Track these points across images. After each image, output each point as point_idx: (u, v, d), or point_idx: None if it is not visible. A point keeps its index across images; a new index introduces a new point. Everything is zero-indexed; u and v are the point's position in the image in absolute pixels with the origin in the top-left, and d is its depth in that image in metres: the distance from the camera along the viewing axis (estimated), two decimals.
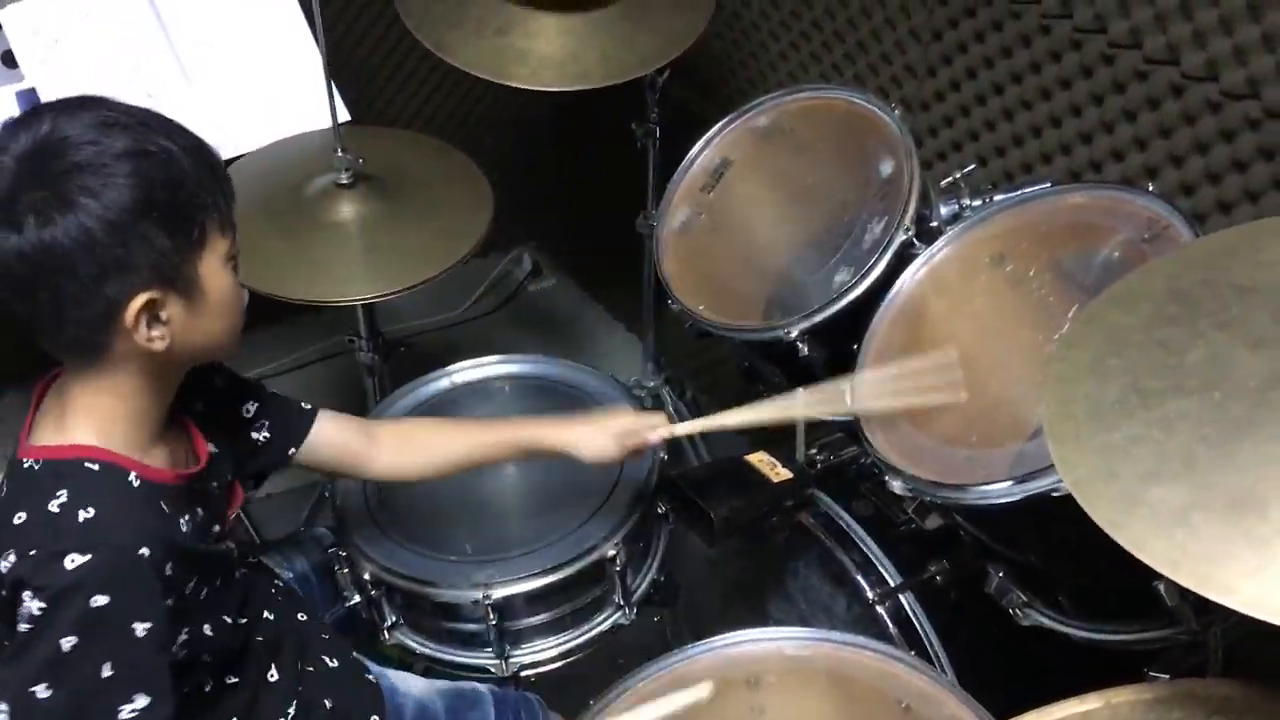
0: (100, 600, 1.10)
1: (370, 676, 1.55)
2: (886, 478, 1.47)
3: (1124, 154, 1.75)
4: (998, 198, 1.63)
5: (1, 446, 1.35)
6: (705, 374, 2.88)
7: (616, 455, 1.58)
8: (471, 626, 1.65)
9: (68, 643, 1.09)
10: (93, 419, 1.19)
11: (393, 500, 1.76)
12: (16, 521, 1.12)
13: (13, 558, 1.10)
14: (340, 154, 1.97)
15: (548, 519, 1.71)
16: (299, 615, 1.52)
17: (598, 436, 1.57)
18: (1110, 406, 1.07)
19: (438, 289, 1.91)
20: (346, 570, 1.70)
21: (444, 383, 1.95)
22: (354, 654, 1.56)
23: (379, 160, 2.05)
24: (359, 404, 2.29)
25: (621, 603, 1.70)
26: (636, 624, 1.72)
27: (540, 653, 1.69)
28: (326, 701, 1.45)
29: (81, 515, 1.12)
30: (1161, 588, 1.21)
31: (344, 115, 2.00)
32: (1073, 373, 1.13)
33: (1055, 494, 1.25)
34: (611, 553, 1.64)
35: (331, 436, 1.51)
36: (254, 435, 1.45)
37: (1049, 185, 1.59)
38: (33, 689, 1.09)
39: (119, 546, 1.13)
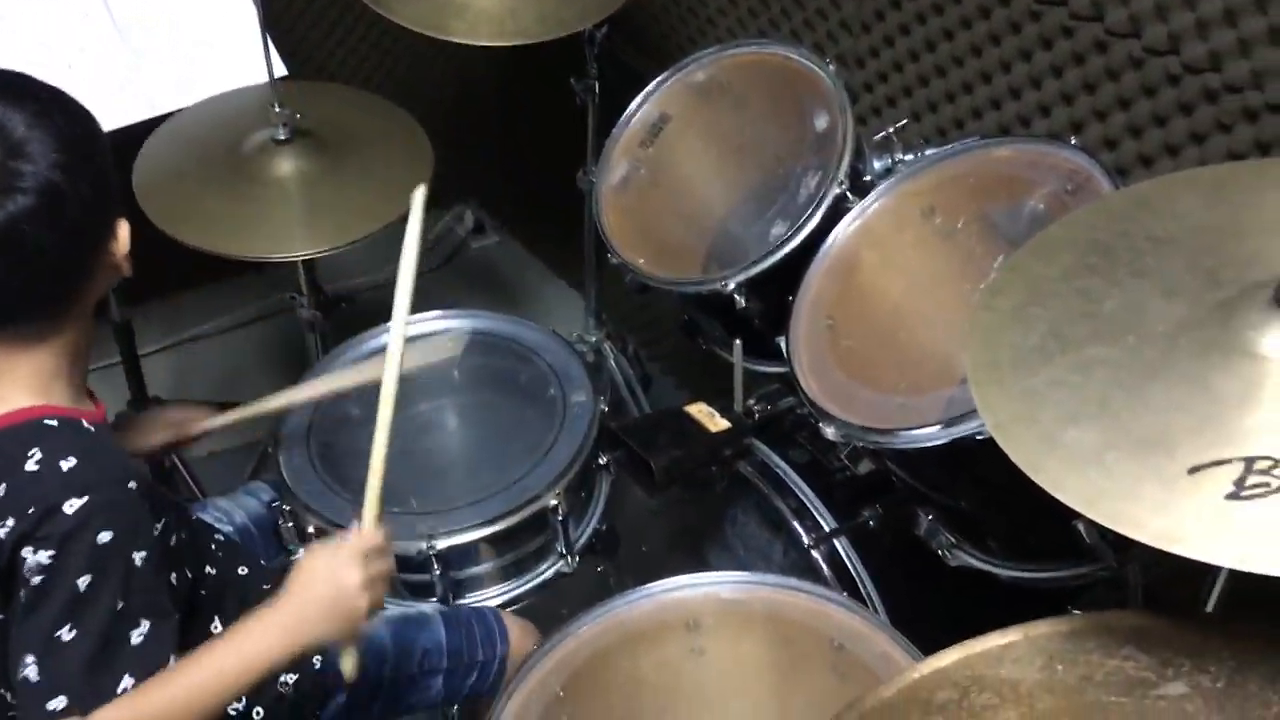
0: (105, 536, 1.14)
1: None
2: (820, 424, 1.50)
3: (1050, 109, 1.79)
4: (929, 152, 1.66)
5: None
6: (647, 329, 2.90)
7: (170, 438, 1.65)
8: (417, 577, 1.67)
9: (83, 581, 1.13)
10: (31, 383, 1.21)
11: (337, 454, 1.77)
12: None
13: (11, 521, 1.13)
14: (277, 109, 1.96)
15: (490, 471, 1.74)
16: (240, 569, 1.53)
17: (151, 432, 1.64)
18: (1031, 353, 1.11)
19: (380, 246, 1.91)
20: (291, 524, 1.71)
21: (385, 339, 1.95)
22: None
23: (317, 116, 2.03)
24: (300, 361, 2.29)
25: (564, 552, 1.73)
26: (579, 572, 1.75)
27: (485, 601, 1.71)
28: None
29: (65, 465, 1.15)
30: (1080, 526, 1.26)
31: (280, 70, 1.99)
32: (997, 321, 1.17)
33: (979, 437, 1.29)
34: (553, 503, 1.67)
35: None
36: None
37: (978, 139, 1.63)
38: (57, 633, 1.13)
39: (110, 481, 1.17)
